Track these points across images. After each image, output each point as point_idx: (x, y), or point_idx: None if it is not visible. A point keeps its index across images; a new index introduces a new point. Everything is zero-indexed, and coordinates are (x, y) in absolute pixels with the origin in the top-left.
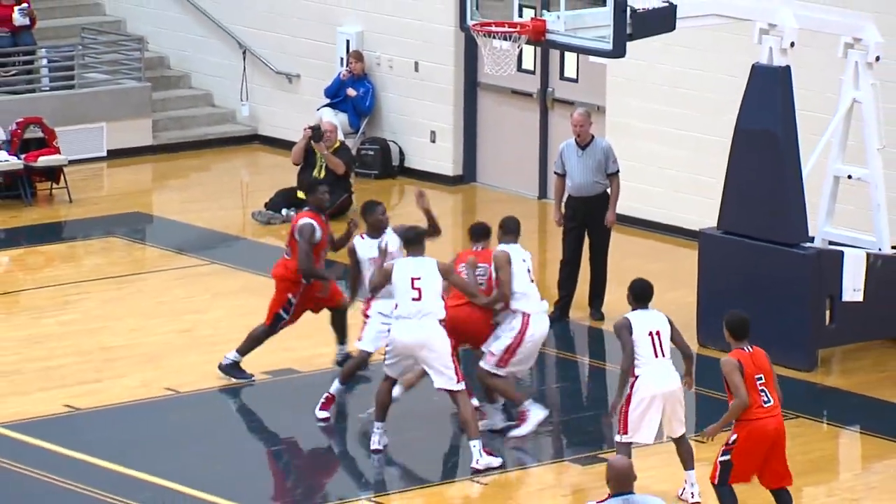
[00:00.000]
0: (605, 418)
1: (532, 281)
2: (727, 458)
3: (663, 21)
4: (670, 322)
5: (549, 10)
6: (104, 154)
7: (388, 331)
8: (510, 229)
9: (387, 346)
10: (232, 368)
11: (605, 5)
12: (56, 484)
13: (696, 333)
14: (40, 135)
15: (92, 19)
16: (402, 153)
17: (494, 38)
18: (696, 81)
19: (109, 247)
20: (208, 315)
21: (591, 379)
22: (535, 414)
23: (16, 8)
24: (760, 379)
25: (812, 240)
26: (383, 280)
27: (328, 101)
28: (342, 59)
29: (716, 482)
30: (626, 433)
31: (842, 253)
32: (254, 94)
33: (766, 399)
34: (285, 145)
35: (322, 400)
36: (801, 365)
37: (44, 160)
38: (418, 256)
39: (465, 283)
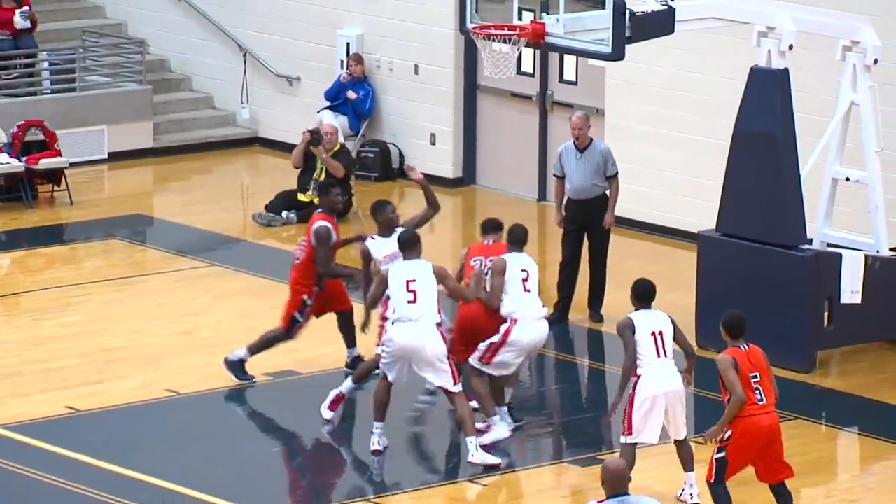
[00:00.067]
0: (605, 418)
1: (528, 290)
2: (722, 454)
3: (662, 24)
4: (673, 322)
5: (548, 13)
6: (105, 156)
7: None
8: (516, 238)
9: (385, 346)
10: (236, 366)
11: (604, 8)
12: (57, 485)
13: (695, 335)
14: (41, 137)
15: (93, 22)
16: (401, 155)
17: (494, 40)
18: (694, 84)
19: (110, 249)
20: (209, 317)
21: (591, 380)
22: (498, 431)
23: (17, 11)
24: (755, 377)
25: (810, 242)
26: (380, 289)
27: (328, 103)
28: (342, 61)
29: (711, 480)
30: (630, 434)
31: (840, 255)
32: (254, 97)
33: (759, 397)
34: (286, 148)
35: (331, 398)
36: (799, 366)
37: (45, 163)
38: (413, 259)
39: (457, 287)
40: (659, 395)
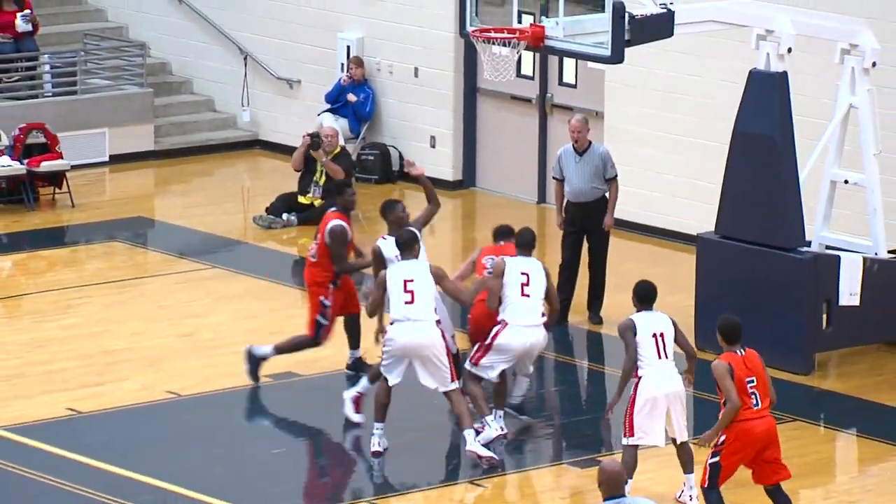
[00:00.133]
0: (603, 418)
1: (527, 296)
2: (716, 459)
3: (661, 27)
4: (674, 324)
5: (547, 16)
6: (106, 159)
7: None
8: (523, 242)
9: (384, 347)
10: (255, 361)
11: (603, 11)
12: (58, 486)
13: (694, 337)
14: (43, 140)
15: (94, 25)
16: (402, 158)
17: (494, 43)
18: (693, 87)
19: (111, 251)
20: (209, 319)
21: (590, 382)
22: (488, 432)
23: (18, 14)
24: (752, 382)
25: (809, 244)
26: (380, 293)
27: (329, 106)
28: (343, 64)
29: (705, 485)
30: (631, 436)
31: (838, 257)
32: (255, 100)
33: (755, 402)
34: (286, 150)
35: (352, 402)
36: (797, 368)
37: (46, 165)
38: (411, 260)
39: (455, 288)
40: (659, 396)
